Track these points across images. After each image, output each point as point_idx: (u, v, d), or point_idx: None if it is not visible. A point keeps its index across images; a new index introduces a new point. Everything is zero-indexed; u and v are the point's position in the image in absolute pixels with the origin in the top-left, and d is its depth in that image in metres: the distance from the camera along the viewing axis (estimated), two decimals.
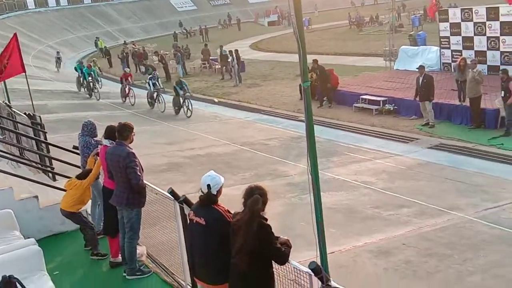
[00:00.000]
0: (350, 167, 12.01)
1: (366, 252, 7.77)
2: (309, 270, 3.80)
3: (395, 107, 16.64)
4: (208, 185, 4.29)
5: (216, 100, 20.02)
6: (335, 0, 66.75)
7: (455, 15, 19.47)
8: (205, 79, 27.94)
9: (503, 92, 13.18)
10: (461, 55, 17.77)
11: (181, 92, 19.00)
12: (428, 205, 9.33)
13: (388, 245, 7.93)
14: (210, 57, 31.73)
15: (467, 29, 18.83)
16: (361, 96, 17.74)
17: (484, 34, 18.21)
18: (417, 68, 15.42)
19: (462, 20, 18.99)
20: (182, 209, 5.34)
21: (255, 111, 19.40)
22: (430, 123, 14.76)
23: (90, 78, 23.80)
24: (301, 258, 4.84)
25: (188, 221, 4.61)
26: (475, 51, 18.48)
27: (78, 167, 7.92)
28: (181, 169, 12.33)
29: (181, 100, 19.04)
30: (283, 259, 3.98)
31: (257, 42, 45.31)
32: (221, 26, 60.61)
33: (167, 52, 35.59)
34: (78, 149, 7.88)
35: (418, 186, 10.57)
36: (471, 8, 18.91)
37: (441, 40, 20.15)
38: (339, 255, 7.59)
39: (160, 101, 20.15)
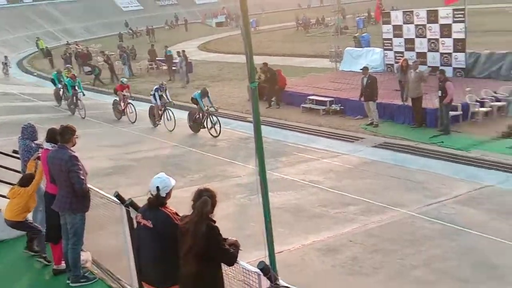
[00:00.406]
0: (298, 167, 12.15)
1: (314, 250, 7.88)
2: (258, 270, 3.82)
3: (341, 107, 16.95)
4: (157, 187, 4.24)
5: None
6: (281, 1, 67.46)
7: (397, 17, 20.13)
8: (152, 80, 27.49)
9: (440, 91, 13.72)
10: (403, 56, 18.40)
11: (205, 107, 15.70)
12: (374, 203, 9.56)
13: (335, 243, 8.07)
14: (157, 58, 31.32)
15: (409, 31, 19.50)
16: (308, 97, 17.98)
17: (425, 36, 18.92)
18: (361, 69, 15.80)
19: (404, 23, 19.66)
20: (128, 213, 5.24)
21: None
22: (374, 123, 15.14)
23: (73, 91, 19.50)
24: (251, 258, 4.85)
25: (135, 224, 4.52)
26: (417, 52, 19.18)
27: (18, 172, 7.62)
28: (127, 172, 12.09)
29: (202, 116, 15.85)
30: (231, 260, 3.99)
31: (205, 43, 45.08)
32: (168, 27, 60.00)
33: (112, 53, 34.83)
34: (18, 153, 7.59)
35: (364, 184, 10.82)
36: (412, 11, 19.63)
37: (384, 42, 20.78)
38: (288, 254, 7.65)
39: (169, 117, 16.63)
